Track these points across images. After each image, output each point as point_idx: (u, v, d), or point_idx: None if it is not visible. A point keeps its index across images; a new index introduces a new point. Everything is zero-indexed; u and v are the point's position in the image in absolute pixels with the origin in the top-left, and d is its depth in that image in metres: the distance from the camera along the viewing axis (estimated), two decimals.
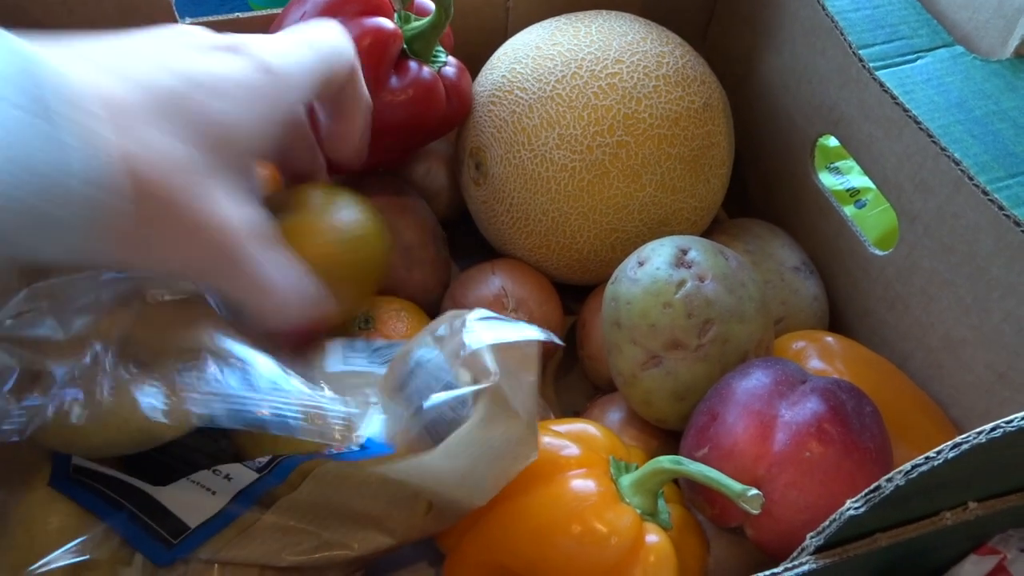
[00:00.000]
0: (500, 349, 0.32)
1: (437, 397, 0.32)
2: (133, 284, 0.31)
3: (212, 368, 0.31)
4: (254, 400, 0.30)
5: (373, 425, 0.33)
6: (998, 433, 0.23)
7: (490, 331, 0.33)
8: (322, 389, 0.33)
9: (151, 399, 0.30)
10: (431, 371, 0.33)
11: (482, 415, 0.30)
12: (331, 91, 0.35)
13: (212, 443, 0.38)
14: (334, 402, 0.32)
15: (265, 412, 0.30)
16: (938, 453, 0.24)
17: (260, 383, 0.31)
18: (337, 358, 0.38)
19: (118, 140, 0.24)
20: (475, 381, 0.31)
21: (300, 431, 0.31)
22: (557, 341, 0.34)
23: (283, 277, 0.31)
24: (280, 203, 0.39)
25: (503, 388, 0.31)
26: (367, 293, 0.43)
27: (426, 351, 0.34)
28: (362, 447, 0.32)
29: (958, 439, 0.24)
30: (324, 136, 0.40)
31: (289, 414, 0.31)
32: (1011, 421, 0.23)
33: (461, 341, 0.32)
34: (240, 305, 0.31)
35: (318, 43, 0.34)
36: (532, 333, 0.33)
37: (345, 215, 0.40)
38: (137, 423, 0.31)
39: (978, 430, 0.24)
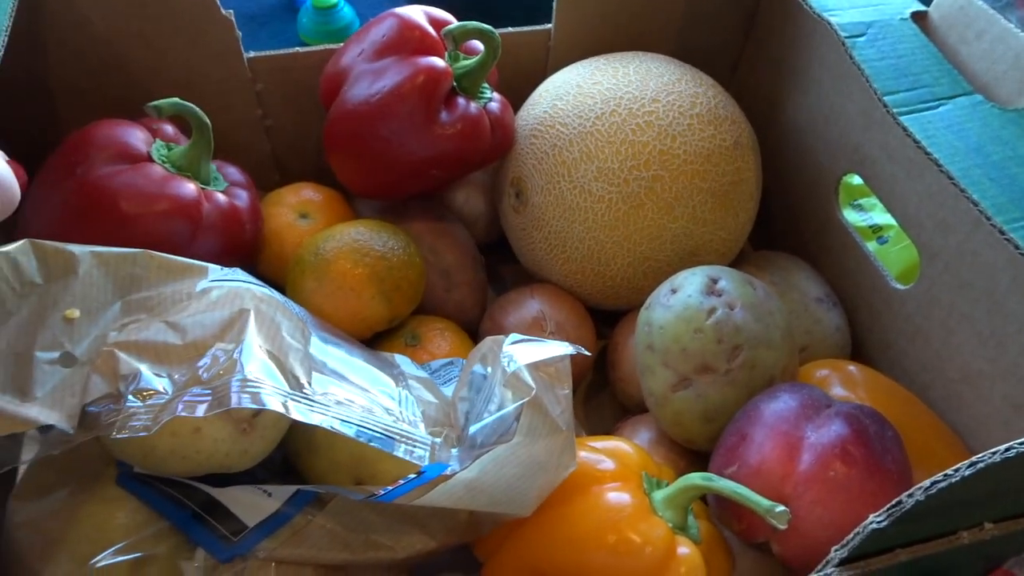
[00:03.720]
0: (536, 367, 0.34)
1: (482, 421, 0.34)
2: (240, 300, 0.34)
3: (332, 378, 0.34)
4: (372, 419, 0.33)
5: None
6: (1012, 454, 0.25)
7: (525, 352, 0.35)
8: (415, 416, 0.35)
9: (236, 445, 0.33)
10: (484, 387, 0.36)
11: (526, 429, 0.32)
12: None
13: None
14: (419, 430, 0.35)
15: (378, 430, 0.33)
16: (956, 471, 0.26)
17: (377, 400, 0.34)
18: (412, 366, 0.41)
19: None
20: (516, 400, 0.34)
21: (399, 451, 0.33)
22: (585, 353, 0.36)
23: None
24: (338, 232, 0.44)
25: (543, 401, 0.33)
26: (411, 303, 0.49)
27: (478, 368, 0.37)
28: (420, 473, 0.34)
29: (974, 458, 0.26)
30: None
31: (395, 436, 0.33)
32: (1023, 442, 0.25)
33: (501, 365, 0.35)
34: None
35: None
36: (563, 349, 0.35)
37: (394, 243, 0.47)
38: (218, 459, 0.34)
39: (993, 450, 0.26)
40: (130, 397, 0.29)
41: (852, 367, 0.45)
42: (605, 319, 0.55)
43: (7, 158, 0.32)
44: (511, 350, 0.34)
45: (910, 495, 0.27)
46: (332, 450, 0.37)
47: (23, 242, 0.34)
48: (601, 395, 0.55)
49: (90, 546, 0.35)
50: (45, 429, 0.32)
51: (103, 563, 0.35)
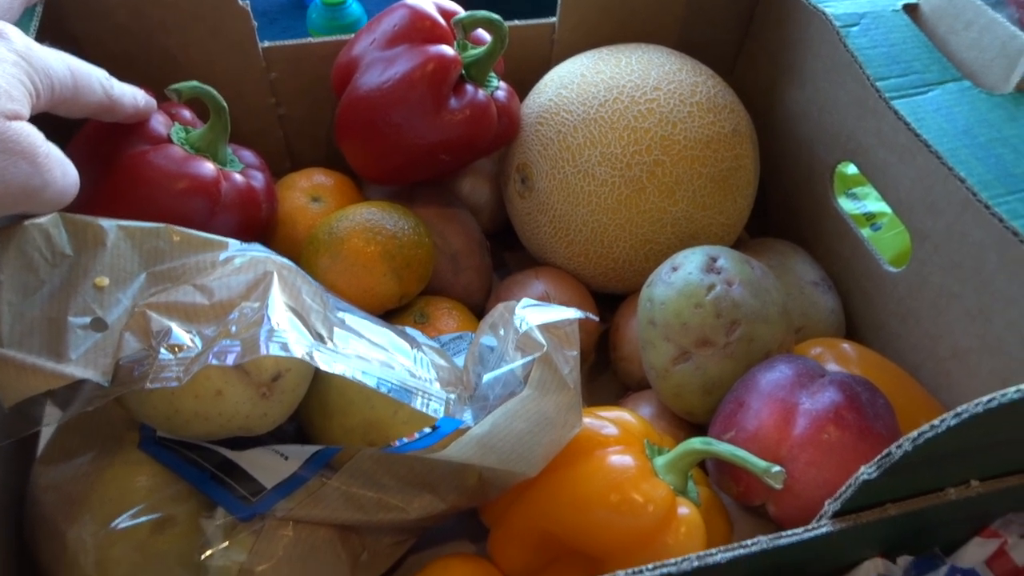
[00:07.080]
0: (547, 328, 0.36)
1: (493, 372, 0.36)
2: (263, 266, 0.36)
3: (354, 334, 0.35)
4: (391, 373, 0.35)
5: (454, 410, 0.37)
6: (994, 404, 0.27)
7: (536, 315, 0.37)
8: (430, 375, 0.37)
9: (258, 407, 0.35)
10: (492, 358, 0.37)
11: (536, 382, 0.34)
12: None
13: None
14: (434, 387, 0.36)
15: (396, 383, 0.34)
16: (941, 421, 0.27)
17: (395, 358, 0.36)
18: (423, 337, 0.43)
19: None
20: (528, 357, 0.35)
21: (416, 403, 0.35)
22: (594, 318, 0.38)
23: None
24: (351, 212, 0.47)
25: (553, 358, 0.34)
26: (421, 282, 0.50)
27: (486, 340, 0.39)
28: (435, 428, 0.36)
29: (958, 408, 0.27)
30: None
31: (412, 389, 0.35)
32: (1005, 394, 0.27)
33: (513, 326, 0.37)
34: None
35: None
36: (572, 313, 0.37)
37: (404, 223, 0.49)
38: (239, 422, 0.35)
39: (976, 401, 0.27)
40: (162, 351, 0.31)
41: (845, 344, 0.47)
42: (606, 304, 0.56)
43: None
44: (523, 313, 0.36)
45: (899, 446, 0.28)
46: (345, 415, 0.39)
47: (53, 215, 0.36)
48: (603, 377, 0.56)
49: (113, 507, 0.37)
50: (79, 386, 0.33)
51: (126, 524, 0.37)
